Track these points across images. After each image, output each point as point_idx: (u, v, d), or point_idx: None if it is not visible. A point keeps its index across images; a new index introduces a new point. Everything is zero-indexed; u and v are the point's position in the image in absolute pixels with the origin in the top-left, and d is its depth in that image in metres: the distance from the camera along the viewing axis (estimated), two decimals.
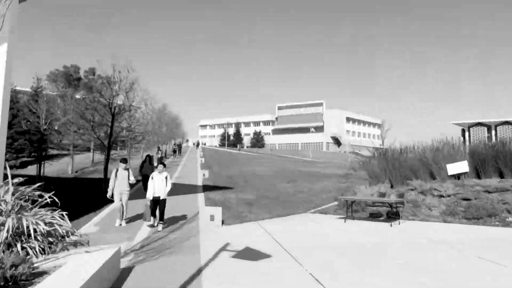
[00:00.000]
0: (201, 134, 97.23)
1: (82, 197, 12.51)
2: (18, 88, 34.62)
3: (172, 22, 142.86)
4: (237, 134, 58.90)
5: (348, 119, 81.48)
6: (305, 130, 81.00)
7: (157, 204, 6.70)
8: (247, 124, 77.86)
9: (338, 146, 79.82)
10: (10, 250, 3.10)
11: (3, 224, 3.19)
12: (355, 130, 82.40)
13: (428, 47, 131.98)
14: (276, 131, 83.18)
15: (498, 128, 52.32)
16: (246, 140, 64.96)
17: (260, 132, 67.54)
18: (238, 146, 51.69)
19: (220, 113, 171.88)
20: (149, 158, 11.21)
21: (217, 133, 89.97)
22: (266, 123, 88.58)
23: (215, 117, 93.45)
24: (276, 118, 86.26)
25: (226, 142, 58.42)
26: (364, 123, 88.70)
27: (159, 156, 20.55)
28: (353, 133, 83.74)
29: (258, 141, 61.26)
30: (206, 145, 58.56)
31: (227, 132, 61.59)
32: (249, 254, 4.75)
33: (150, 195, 6.71)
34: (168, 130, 33.03)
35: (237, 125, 64.93)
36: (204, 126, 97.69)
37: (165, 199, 6.80)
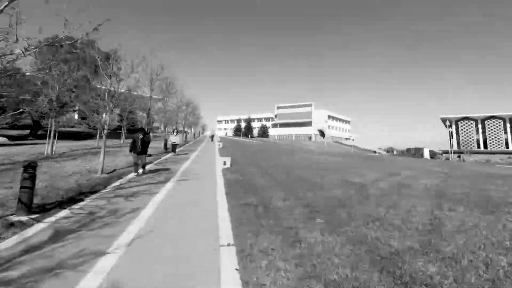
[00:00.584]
0: (217, 127, 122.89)
1: None
2: None
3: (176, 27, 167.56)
4: (248, 127, 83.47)
5: (329, 117, 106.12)
6: (298, 124, 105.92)
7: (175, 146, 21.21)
8: (252, 120, 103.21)
9: (323, 137, 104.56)
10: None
11: None
12: (334, 125, 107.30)
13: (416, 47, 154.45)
14: (275, 126, 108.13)
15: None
16: (254, 132, 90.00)
17: (265, 125, 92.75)
18: (249, 136, 75.85)
19: (230, 111, 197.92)
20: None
21: (230, 126, 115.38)
22: (267, 119, 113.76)
23: (229, 114, 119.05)
24: (275, 115, 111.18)
25: (241, 132, 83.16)
26: (340, 120, 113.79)
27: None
28: (333, 127, 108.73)
29: (264, 132, 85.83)
30: (221, 136, 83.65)
31: (240, 125, 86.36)
32: None
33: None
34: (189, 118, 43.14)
35: (248, 120, 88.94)
36: (220, 121, 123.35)
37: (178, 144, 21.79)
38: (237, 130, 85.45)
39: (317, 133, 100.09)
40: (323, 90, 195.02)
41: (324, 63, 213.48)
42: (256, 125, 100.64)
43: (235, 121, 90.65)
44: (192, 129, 58.59)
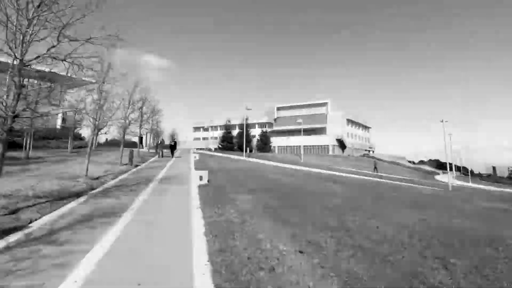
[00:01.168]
0: (194, 136, 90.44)
1: None
2: None
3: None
4: (241, 135, 52.08)
5: (348, 121, 77.82)
6: (308, 131, 76.43)
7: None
8: (251, 125, 72.40)
9: (343, 150, 75.95)
10: None
11: None
12: (352, 133, 78.97)
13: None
14: (274, 133, 78.09)
15: None
16: (253, 142, 58.48)
17: (266, 132, 61.85)
18: (246, 149, 45.92)
19: (212, 116, 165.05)
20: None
21: (210, 135, 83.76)
22: (262, 125, 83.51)
23: (209, 119, 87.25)
24: (275, 119, 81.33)
25: (233, 143, 52.35)
26: (360, 126, 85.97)
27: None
28: (353, 135, 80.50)
29: (265, 143, 55.38)
30: (198, 151, 52.00)
31: (230, 133, 55.40)
32: None
33: None
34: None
35: (243, 125, 55.80)
36: (197, 129, 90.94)
37: None
38: (225, 140, 54.24)
39: (335, 143, 71.31)
40: (332, 89, 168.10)
41: (334, 60, 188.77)
42: (256, 131, 69.62)
43: (223, 128, 58.49)
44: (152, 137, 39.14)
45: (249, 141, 48.33)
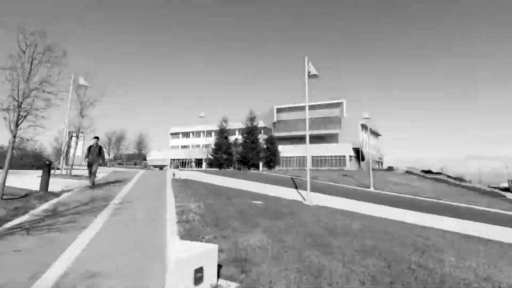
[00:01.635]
0: (172, 144, 72.65)
1: None
2: None
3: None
4: (246, 143, 35.22)
5: (362, 127, 64.18)
6: (316, 138, 61.70)
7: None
8: (254, 129, 56.43)
9: (360, 161, 61.91)
10: None
11: None
12: (365, 141, 64.86)
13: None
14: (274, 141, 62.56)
15: None
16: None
17: (272, 138, 45.57)
18: (249, 164, 29.63)
19: (194, 118, 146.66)
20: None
21: (193, 142, 66.60)
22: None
23: (191, 124, 70.31)
24: (274, 124, 66.10)
25: (232, 157, 35.57)
26: (372, 132, 72.92)
27: None
28: (366, 144, 66.73)
29: (274, 154, 39.24)
30: (182, 170, 35.36)
31: (227, 139, 38.72)
32: None
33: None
34: None
35: (248, 130, 36.10)
36: (175, 134, 73.24)
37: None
38: (219, 150, 37.46)
39: (352, 153, 56.99)
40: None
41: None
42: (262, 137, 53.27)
43: (216, 134, 40.32)
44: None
45: (258, 151, 32.51)
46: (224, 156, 37.68)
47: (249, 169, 31.96)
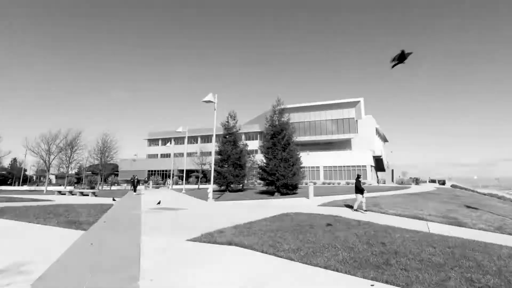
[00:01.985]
0: (148, 153, 59.51)
1: None
2: None
3: None
4: (276, 148, 23.74)
5: (376, 132, 55.62)
6: (324, 145, 51.98)
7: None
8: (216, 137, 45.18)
9: (379, 171, 52.95)
10: None
11: None
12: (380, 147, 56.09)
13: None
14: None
15: None
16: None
17: (287, 143, 34.75)
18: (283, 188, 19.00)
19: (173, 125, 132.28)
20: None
21: (176, 150, 54.07)
22: (250, 136, 57.45)
23: (170, 128, 57.92)
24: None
25: (240, 167, 24.36)
26: (382, 138, 64.99)
27: None
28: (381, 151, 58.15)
29: (294, 163, 27.17)
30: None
31: (237, 146, 27.17)
32: None
33: None
34: None
35: (274, 132, 24.10)
36: (154, 141, 60.21)
37: None
38: (226, 161, 26.13)
39: (372, 163, 47.60)
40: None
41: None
42: (254, 144, 41.97)
43: (220, 137, 28.32)
44: None
45: (292, 163, 21.75)
46: (231, 169, 26.28)
47: (277, 192, 20.99)
